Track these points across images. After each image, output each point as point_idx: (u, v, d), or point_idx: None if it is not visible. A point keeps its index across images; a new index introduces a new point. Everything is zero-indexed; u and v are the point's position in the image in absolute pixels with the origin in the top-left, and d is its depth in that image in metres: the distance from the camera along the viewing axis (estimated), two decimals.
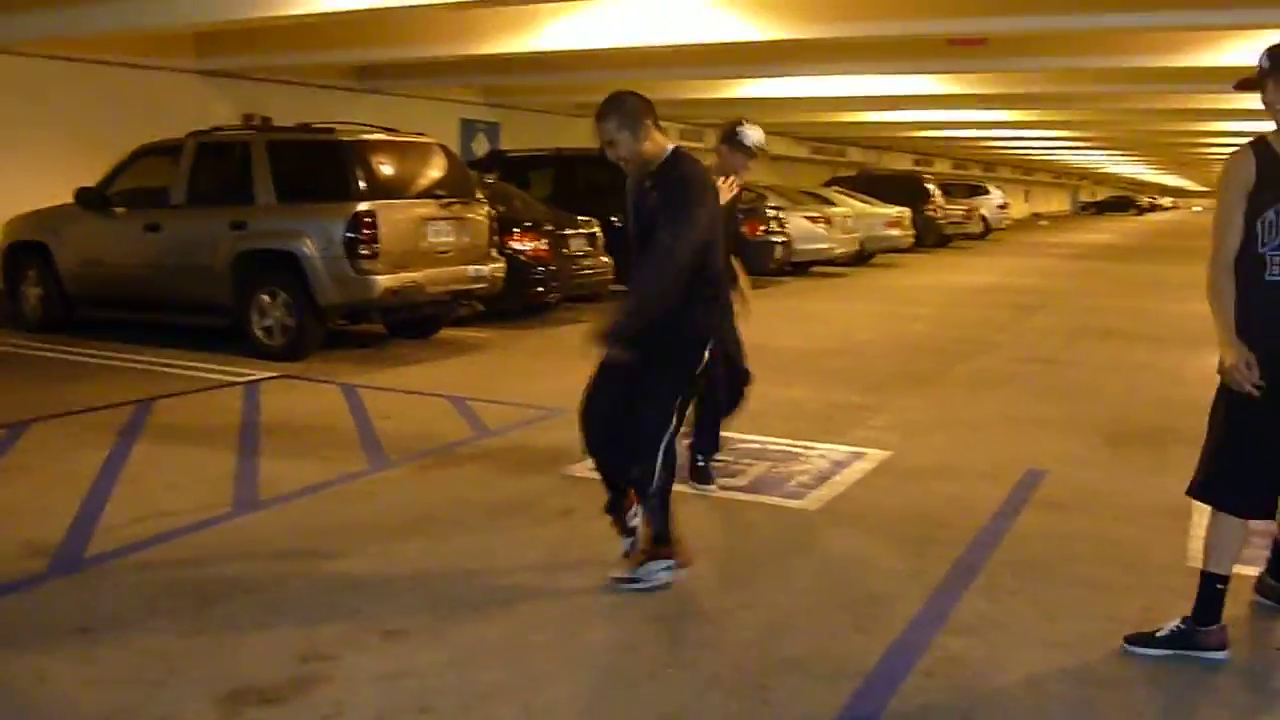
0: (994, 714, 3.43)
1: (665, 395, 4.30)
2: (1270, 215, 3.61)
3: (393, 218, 9.37)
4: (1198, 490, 3.89)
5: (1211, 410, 3.89)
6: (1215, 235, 3.77)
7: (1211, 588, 3.80)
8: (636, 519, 4.41)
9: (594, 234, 12.67)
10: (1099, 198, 75.04)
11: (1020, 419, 7.65)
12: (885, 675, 3.67)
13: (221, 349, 9.68)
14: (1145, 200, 77.00)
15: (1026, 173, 56.77)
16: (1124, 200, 72.59)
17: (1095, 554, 4.87)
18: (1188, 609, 4.05)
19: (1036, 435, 7.19)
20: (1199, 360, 10.26)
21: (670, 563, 4.37)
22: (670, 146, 4.26)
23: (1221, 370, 3.76)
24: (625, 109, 4.20)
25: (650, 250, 4.11)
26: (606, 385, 4.29)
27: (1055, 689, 3.59)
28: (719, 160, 5.71)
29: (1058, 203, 72.22)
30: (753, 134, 5.63)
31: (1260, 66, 3.67)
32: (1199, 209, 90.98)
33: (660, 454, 4.28)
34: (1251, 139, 3.73)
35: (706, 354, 4.37)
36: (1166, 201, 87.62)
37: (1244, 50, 13.85)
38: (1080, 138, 34.84)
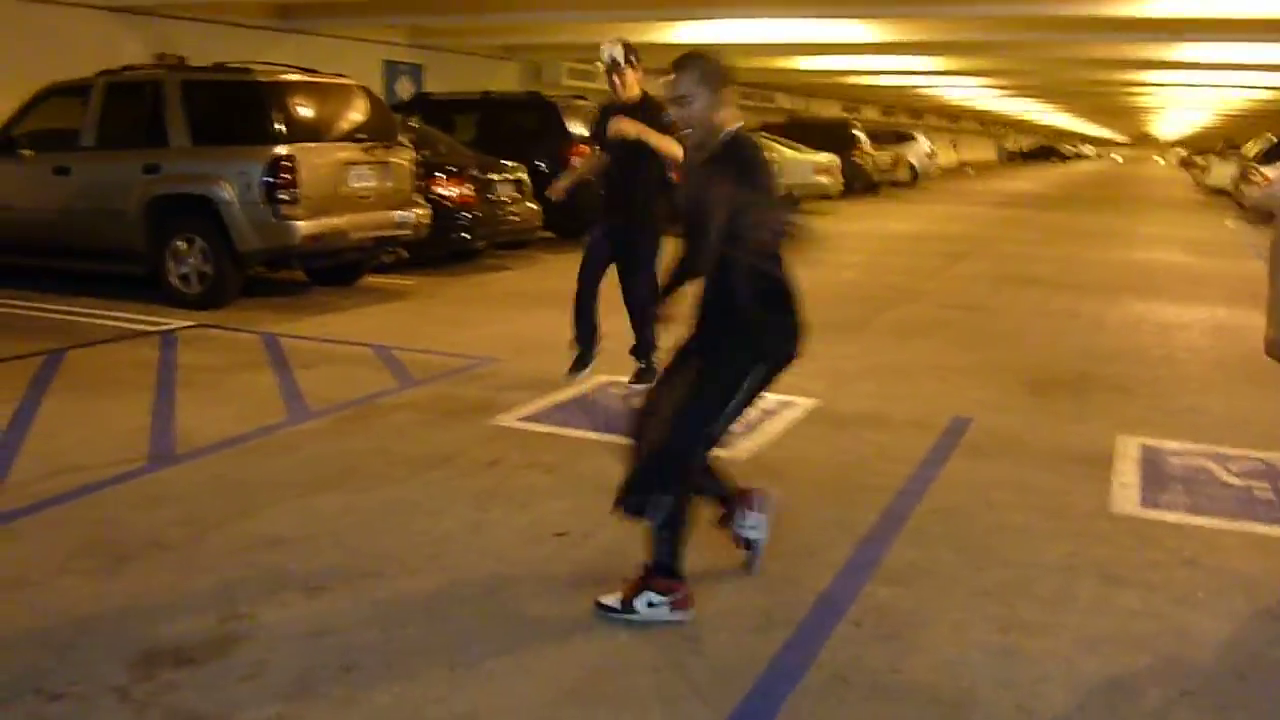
0: (921, 662, 3.44)
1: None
2: None
3: (313, 161, 9.12)
4: None
5: None
6: None
7: None
8: (755, 530, 4.01)
9: (521, 180, 12.49)
10: (1025, 147, 75.87)
11: (947, 366, 7.70)
12: (815, 625, 3.66)
13: (136, 297, 9.40)
14: (1069, 149, 78.08)
15: (954, 121, 57.12)
16: (1049, 149, 73.55)
17: (1019, 501, 4.92)
18: (1108, 554, 4.09)
19: (962, 382, 7.24)
20: (1120, 308, 10.45)
21: (667, 598, 3.66)
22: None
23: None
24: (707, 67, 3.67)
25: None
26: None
27: (980, 636, 3.62)
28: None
29: (985, 151, 72.86)
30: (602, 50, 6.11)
31: None
32: (1120, 158, 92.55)
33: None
34: None
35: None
36: (1090, 151, 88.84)
37: (1169, 1, 14.00)
38: (1007, 86, 35.09)
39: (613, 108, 6.53)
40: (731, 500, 4.04)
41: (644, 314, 6.51)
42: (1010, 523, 4.65)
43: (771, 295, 3.66)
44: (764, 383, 3.76)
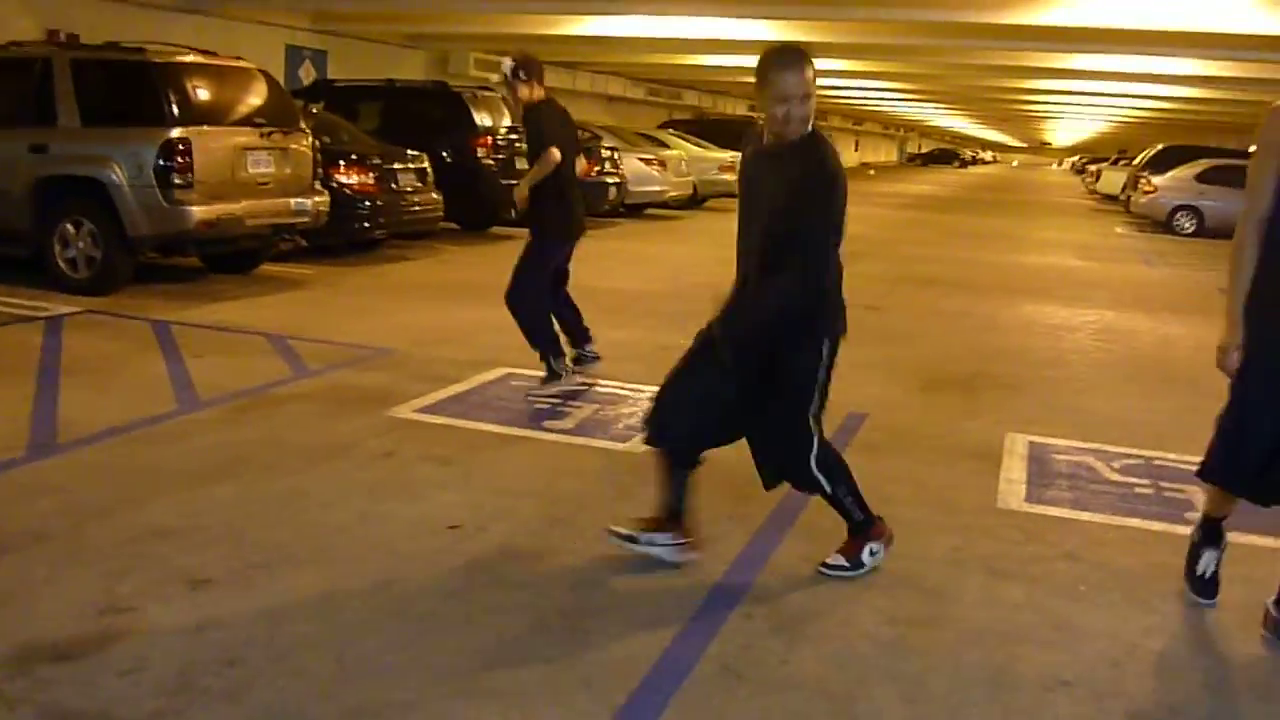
0: (811, 653, 3.48)
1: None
2: None
3: (209, 145, 8.90)
4: None
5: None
6: (1246, 197, 3.69)
7: None
8: (662, 552, 4.08)
9: (424, 169, 12.36)
10: (925, 150, 77.38)
11: (843, 363, 7.77)
12: (707, 617, 3.69)
13: (21, 281, 9.07)
14: (968, 154, 79.85)
15: (857, 123, 58.05)
16: (949, 153, 75.15)
17: (910, 495, 5.01)
18: (994, 548, 4.18)
19: (857, 379, 7.32)
20: (1013, 310, 10.72)
21: (883, 540, 4.13)
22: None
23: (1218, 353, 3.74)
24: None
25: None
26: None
27: (868, 628, 3.68)
28: None
29: (886, 153, 74.20)
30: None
31: None
32: (1016, 164, 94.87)
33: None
34: None
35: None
36: (988, 155, 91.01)
37: (1066, 11, 14.40)
38: (909, 90, 35.75)
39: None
40: (671, 517, 4.08)
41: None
42: (901, 517, 4.72)
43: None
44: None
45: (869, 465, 5.40)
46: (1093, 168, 42.30)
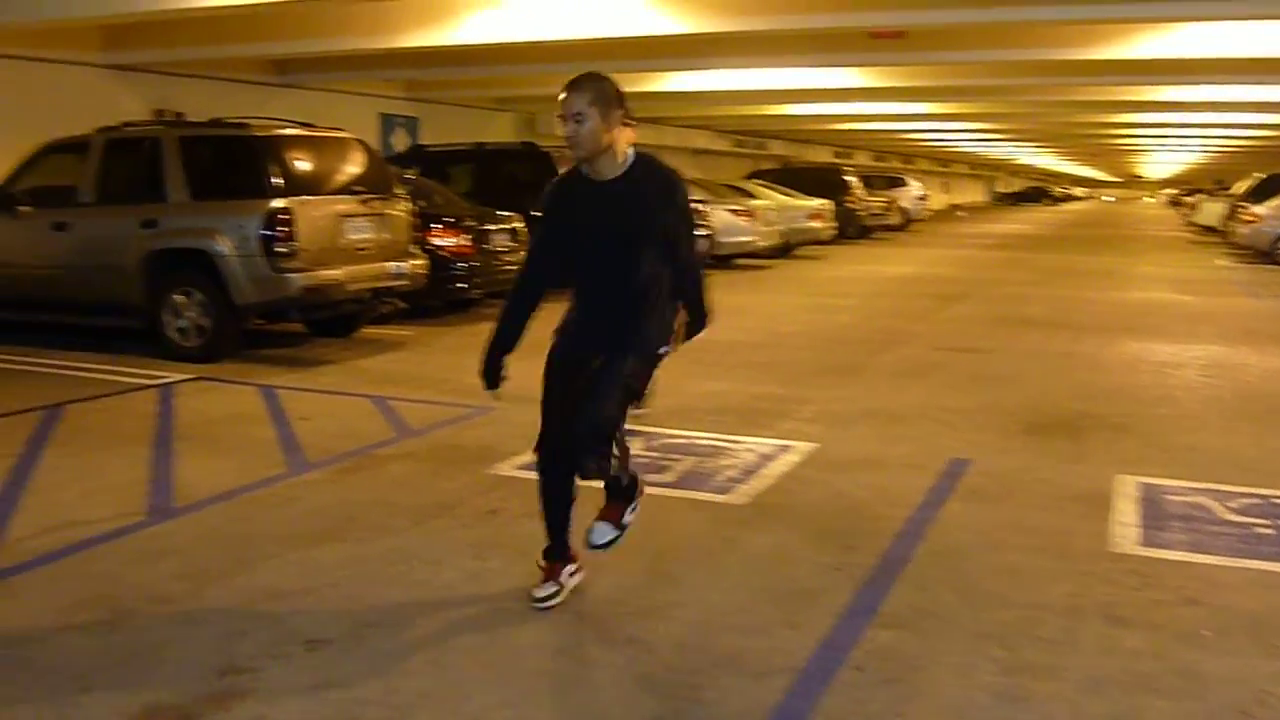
0: (926, 706, 3.43)
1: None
2: None
3: (310, 214, 9.18)
4: None
5: None
6: None
7: None
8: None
9: (515, 229, 12.55)
10: (1015, 189, 76.39)
11: (943, 408, 7.71)
12: (817, 671, 3.65)
13: (135, 351, 9.41)
14: (1059, 191, 78.62)
15: (944, 165, 57.60)
16: (1039, 191, 74.00)
17: (1020, 542, 4.91)
18: (1110, 594, 4.08)
19: (959, 424, 7.25)
20: (1116, 348, 10.48)
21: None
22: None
23: None
24: (603, 88, 3.87)
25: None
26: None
27: (984, 679, 3.60)
28: None
29: (975, 194, 73.38)
30: None
31: None
32: (1110, 199, 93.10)
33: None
34: None
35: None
36: (1079, 192, 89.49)
37: (1155, 43, 14.18)
38: (997, 130, 35.37)
39: None
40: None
41: None
42: (1011, 564, 4.65)
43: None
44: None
45: (975, 512, 5.34)
46: (1189, 199, 41.34)
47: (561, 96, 3.85)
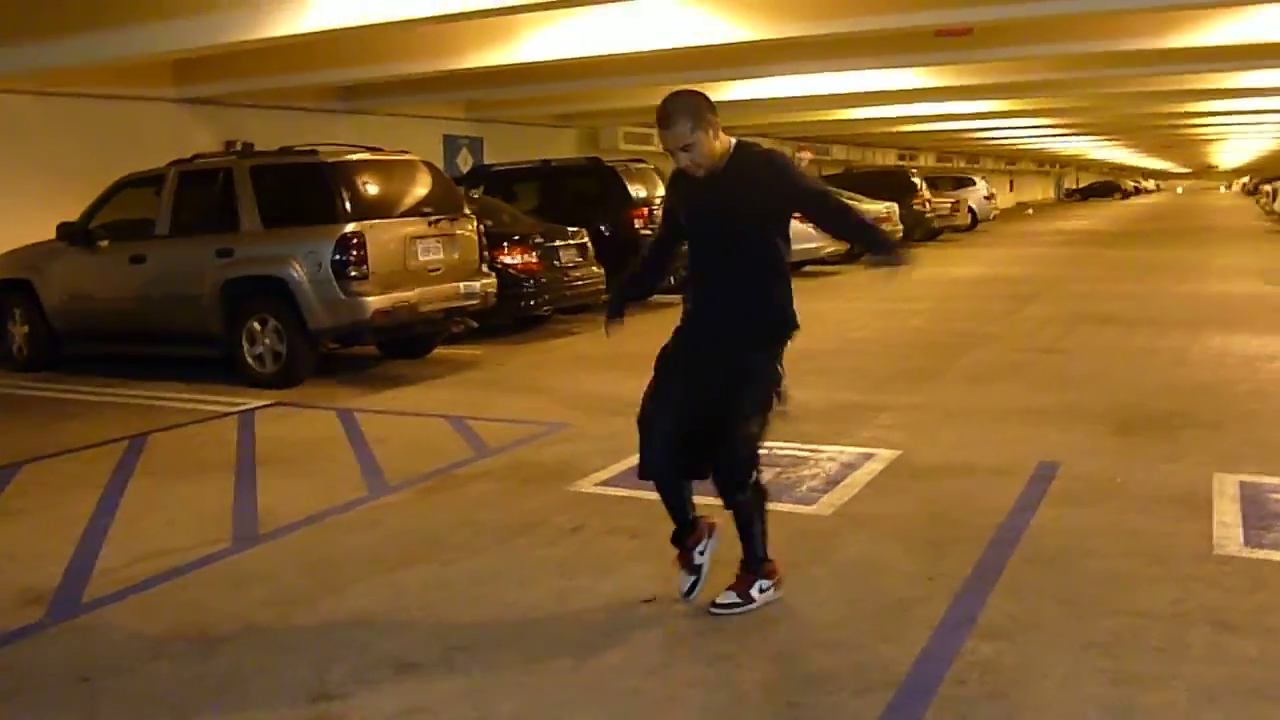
0: None
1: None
2: None
3: (381, 238, 9.25)
4: None
5: None
6: None
7: None
8: (704, 556, 4.25)
9: (584, 244, 12.56)
10: (1083, 184, 75.12)
11: (1025, 410, 7.54)
12: (917, 685, 3.55)
13: (214, 379, 9.54)
14: (1129, 184, 77.13)
15: (1011, 162, 56.81)
16: (1109, 185, 72.69)
17: (1118, 547, 4.76)
18: (1217, 599, 3.93)
19: (1043, 427, 7.08)
20: (1201, 342, 10.20)
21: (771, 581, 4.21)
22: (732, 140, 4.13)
23: None
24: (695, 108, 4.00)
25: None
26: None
27: (1092, 691, 3.47)
28: None
29: (1042, 191, 72.32)
30: None
31: None
32: (1182, 190, 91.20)
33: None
34: None
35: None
36: (1150, 184, 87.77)
37: (1230, 28, 13.79)
38: (1064, 124, 34.79)
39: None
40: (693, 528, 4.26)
41: None
42: (1111, 570, 4.50)
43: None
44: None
45: (1068, 517, 5.20)
46: (1267, 187, 40.31)
47: (660, 132, 3.99)
